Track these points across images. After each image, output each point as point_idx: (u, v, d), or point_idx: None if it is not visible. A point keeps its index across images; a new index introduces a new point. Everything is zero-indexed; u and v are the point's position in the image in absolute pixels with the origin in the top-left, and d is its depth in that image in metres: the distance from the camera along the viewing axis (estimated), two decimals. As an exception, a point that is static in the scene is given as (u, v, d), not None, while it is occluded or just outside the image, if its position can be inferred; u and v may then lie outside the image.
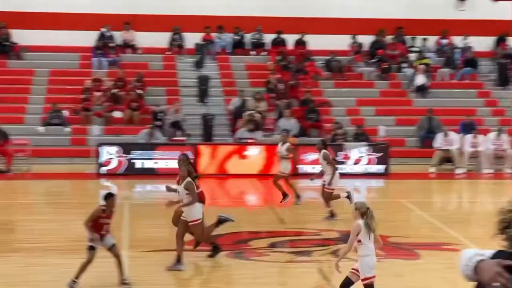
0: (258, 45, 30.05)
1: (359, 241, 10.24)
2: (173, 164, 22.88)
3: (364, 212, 10.29)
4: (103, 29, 28.87)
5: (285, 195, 18.45)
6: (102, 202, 11.93)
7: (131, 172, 22.72)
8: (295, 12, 29.67)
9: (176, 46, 29.54)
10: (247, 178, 23.03)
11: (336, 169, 16.89)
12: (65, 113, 25.78)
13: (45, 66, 28.10)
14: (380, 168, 23.78)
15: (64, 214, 17.76)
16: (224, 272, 13.50)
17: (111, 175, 22.47)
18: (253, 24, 29.78)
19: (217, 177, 23.07)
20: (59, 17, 28.44)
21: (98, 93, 26.51)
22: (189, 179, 12.68)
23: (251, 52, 29.96)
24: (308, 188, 22.63)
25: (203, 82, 27.36)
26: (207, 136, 25.04)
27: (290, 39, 30.03)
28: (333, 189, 16.78)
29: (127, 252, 14.18)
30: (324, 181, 16.71)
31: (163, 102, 26.66)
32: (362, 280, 10.23)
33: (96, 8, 28.64)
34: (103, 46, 28.76)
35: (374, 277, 10.27)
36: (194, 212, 12.73)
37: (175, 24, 29.37)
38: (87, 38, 28.53)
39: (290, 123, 25.47)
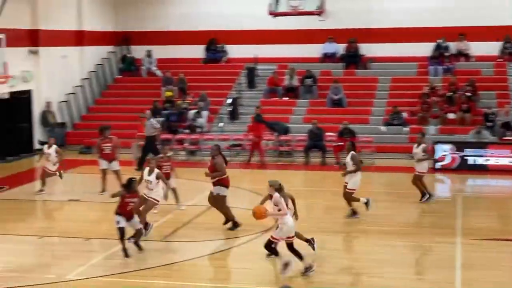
0: None
1: (280, 210, 10.88)
2: (504, 161, 21.19)
3: (278, 188, 10.92)
4: (439, 41, 27.66)
5: (424, 194, 16.76)
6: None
7: (463, 168, 21.39)
8: None
9: (507, 54, 27.26)
10: None
11: (359, 171, 15.00)
12: (404, 114, 25.08)
13: (388, 74, 27.69)
14: None
15: (398, 202, 17.11)
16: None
17: (444, 170, 21.32)
18: None
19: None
20: (400, 31, 27.87)
21: (434, 98, 25.25)
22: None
23: None
24: None
25: (533, 86, 24.84)
26: (537, 136, 22.61)
27: None
28: (354, 190, 15.03)
29: (460, 239, 13.51)
30: (346, 182, 15.02)
31: (494, 105, 24.68)
32: (288, 238, 10.97)
33: (433, 22, 27.64)
34: (439, 56, 27.51)
35: (293, 237, 11.03)
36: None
37: (507, 34, 27.09)
38: (424, 49, 27.55)
39: None
